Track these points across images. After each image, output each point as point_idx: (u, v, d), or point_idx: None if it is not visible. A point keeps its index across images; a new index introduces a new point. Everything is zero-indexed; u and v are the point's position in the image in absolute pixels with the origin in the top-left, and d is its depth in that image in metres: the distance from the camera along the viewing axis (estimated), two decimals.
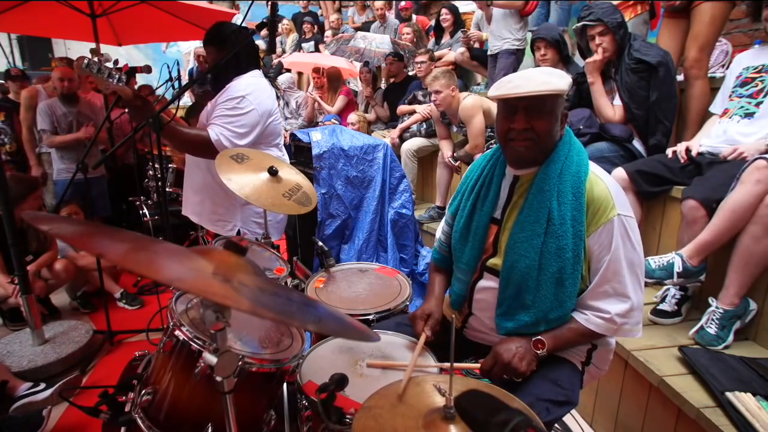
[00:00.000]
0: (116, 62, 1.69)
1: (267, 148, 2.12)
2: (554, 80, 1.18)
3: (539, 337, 1.24)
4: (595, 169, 1.26)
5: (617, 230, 1.19)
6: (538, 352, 1.23)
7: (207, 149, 1.92)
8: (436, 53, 4.62)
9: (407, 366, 1.31)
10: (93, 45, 3.55)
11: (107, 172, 4.30)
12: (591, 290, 1.23)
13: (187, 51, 8.28)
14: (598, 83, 2.54)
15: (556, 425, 1.84)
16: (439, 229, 1.60)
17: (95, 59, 1.65)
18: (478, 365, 1.26)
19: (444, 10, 4.90)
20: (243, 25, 2.12)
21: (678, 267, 1.83)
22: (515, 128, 1.22)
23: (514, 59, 3.95)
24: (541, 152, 1.26)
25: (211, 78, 2.09)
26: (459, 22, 4.90)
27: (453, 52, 4.71)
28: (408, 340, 1.41)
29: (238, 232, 2.21)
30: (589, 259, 1.23)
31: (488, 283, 1.34)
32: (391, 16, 6.21)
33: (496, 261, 1.32)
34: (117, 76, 1.67)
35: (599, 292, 1.22)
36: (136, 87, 4.14)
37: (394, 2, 6.45)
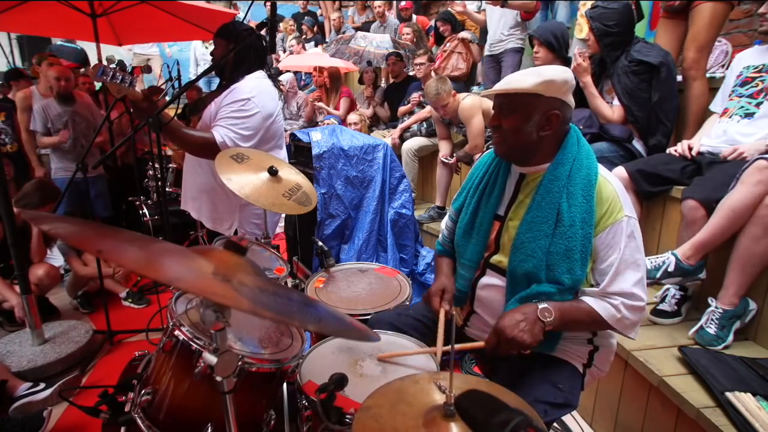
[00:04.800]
0: (125, 66, 1.78)
1: (272, 150, 2.11)
2: (525, 79, 1.20)
3: (546, 305, 1.20)
4: (601, 171, 1.27)
5: (625, 231, 1.20)
6: (545, 320, 1.18)
7: (211, 151, 1.91)
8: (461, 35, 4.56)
9: (419, 351, 1.33)
10: (93, 44, 3.55)
11: (106, 172, 4.29)
12: (600, 289, 1.22)
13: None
14: (590, 85, 2.55)
15: (555, 425, 1.84)
16: (443, 223, 1.61)
17: (110, 66, 1.75)
18: (482, 344, 1.25)
19: (439, 23, 4.88)
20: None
21: (671, 267, 1.82)
22: (490, 125, 1.32)
23: (520, 57, 3.99)
24: (513, 149, 1.29)
25: (216, 71, 2.12)
26: (456, 24, 4.86)
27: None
28: (408, 339, 1.41)
29: (236, 232, 2.23)
30: (594, 258, 1.23)
31: (491, 280, 1.34)
32: (391, 16, 6.19)
33: (499, 258, 1.32)
34: (129, 80, 1.75)
35: (608, 291, 1.22)
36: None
37: (394, 2, 6.44)
